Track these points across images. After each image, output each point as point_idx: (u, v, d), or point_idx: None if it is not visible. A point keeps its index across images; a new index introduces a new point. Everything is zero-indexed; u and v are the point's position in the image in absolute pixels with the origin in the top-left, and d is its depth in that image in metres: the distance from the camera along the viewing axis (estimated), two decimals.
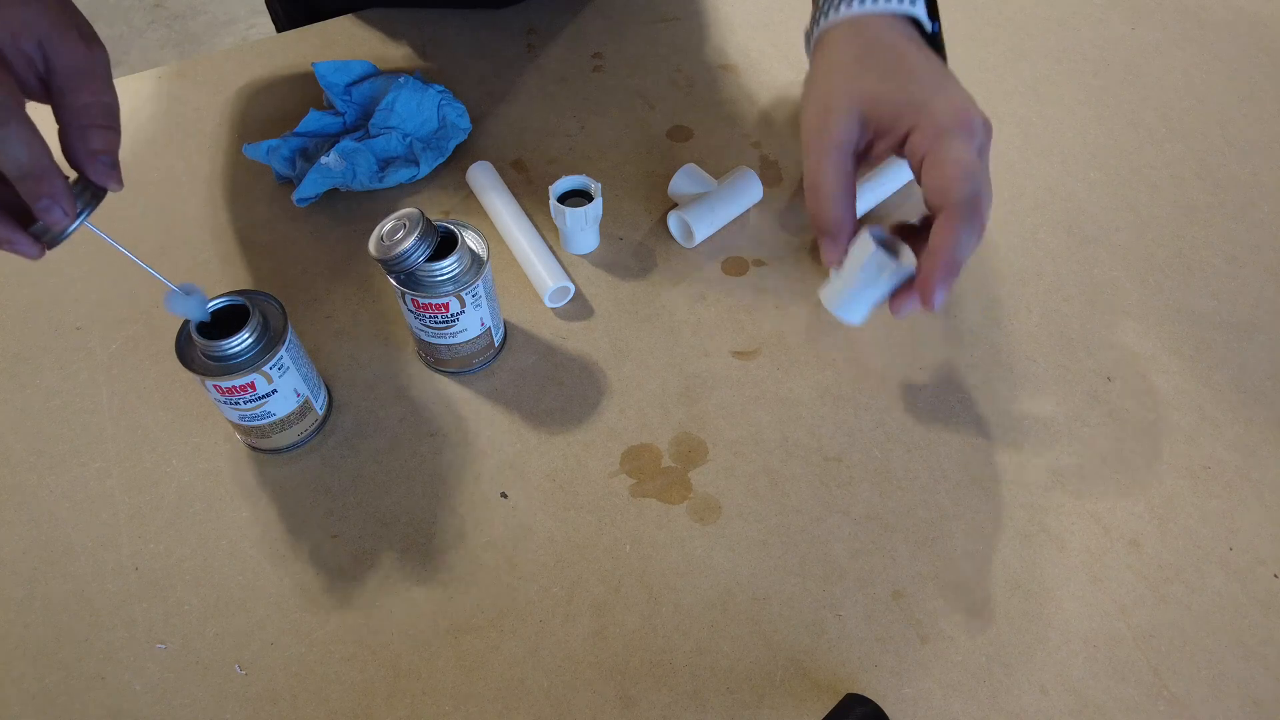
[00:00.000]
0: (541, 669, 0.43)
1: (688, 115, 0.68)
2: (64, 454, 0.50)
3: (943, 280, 0.43)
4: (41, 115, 0.38)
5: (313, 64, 0.64)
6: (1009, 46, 0.74)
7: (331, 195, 0.62)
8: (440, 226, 0.48)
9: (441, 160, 0.63)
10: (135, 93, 0.69)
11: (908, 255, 0.46)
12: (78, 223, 0.39)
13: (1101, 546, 0.47)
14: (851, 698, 0.41)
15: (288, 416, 0.48)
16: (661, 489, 0.49)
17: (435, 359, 0.53)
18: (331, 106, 0.65)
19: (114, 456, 0.50)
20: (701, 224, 0.58)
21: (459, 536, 0.47)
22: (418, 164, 0.62)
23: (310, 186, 0.59)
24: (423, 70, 0.70)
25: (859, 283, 0.47)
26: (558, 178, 0.57)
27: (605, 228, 0.61)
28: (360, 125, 0.64)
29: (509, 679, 0.43)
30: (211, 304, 0.45)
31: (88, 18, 0.41)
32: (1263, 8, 0.77)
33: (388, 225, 0.46)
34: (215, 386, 0.45)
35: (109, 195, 0.41)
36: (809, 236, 0.60)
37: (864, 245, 0.46)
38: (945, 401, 0.52)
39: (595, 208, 0.56)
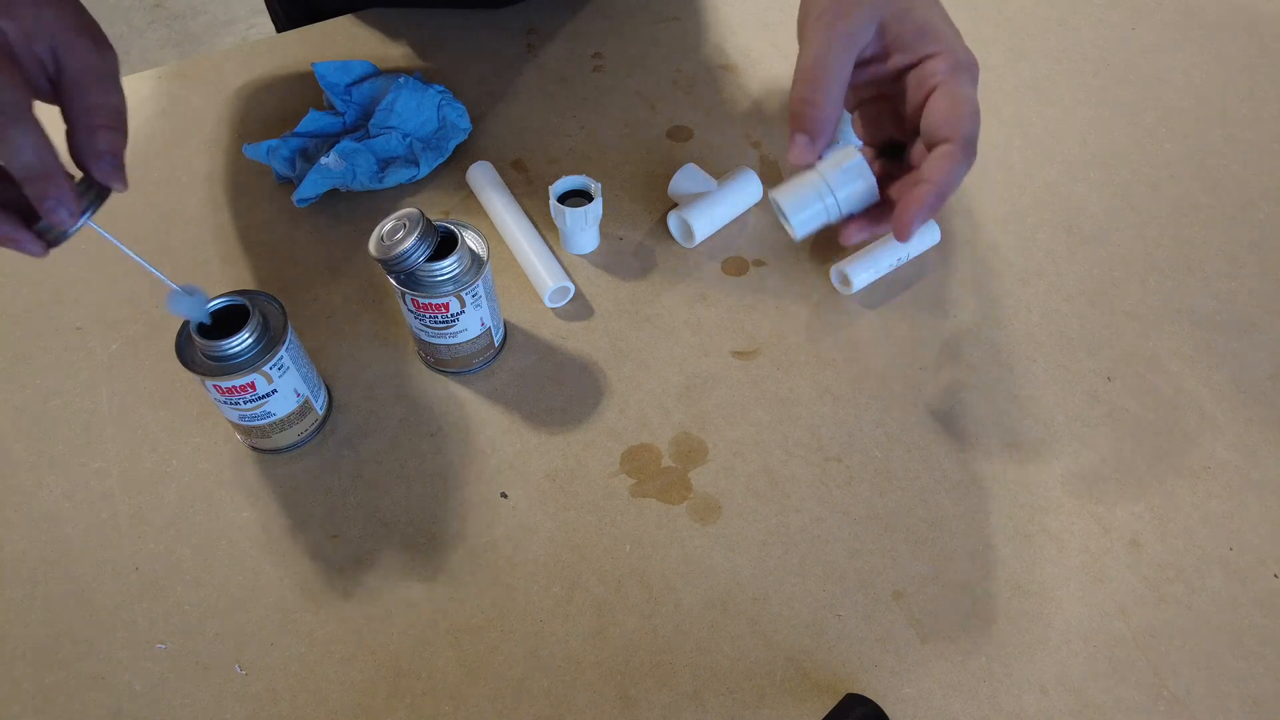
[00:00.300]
0: (541, 669, 0.43)
1: (688, 115, 0.68)
2: (64, 454, 0.50)
3: (928, 208, 0.43)
4: (49, 115, 0.38)
5: (313, 64, 0.64)
6: (1009, 46, 0.74)
7: (331, 195, 0.62)
8: (440, 226, 0.48)
9: (441, 160, 0.63)
10: (135, 93, 0.69)
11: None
12: (81, 222, 0.39)
13: (1101, 546, 0.47)
14: (851, 698, 0.41)
15: (288, 416, 0.48)
16: (661, 489, 0.49)
17: (435, 359, 0.53)
18: (331, 106, 0.65)
19: (114, 456, 0.50)
20: (701, 224, 0.58)
21: (459, 536, 0.47)
22: (418, 164, 0.62)
23: (310, 187, 0.59)
24: (423, 70, 0.70)
25: (824, 191, 0.46)
26: (558, 178, 0.57)
27: (605, 228, 0.61)
28: (360, 125, 0.64)
29: (509, 679, 0.43)
30: (211, 304, 0.45)
31: None
32: (1263, 8, 0.77)
33: (388, 225, 0.46)
34: (215, 386, 0.45)
35: (114, 195, 0.41)
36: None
37: (845, 152, 0.45)
38: (945, 401, 0.52)
39: (595, 208, 0.56)
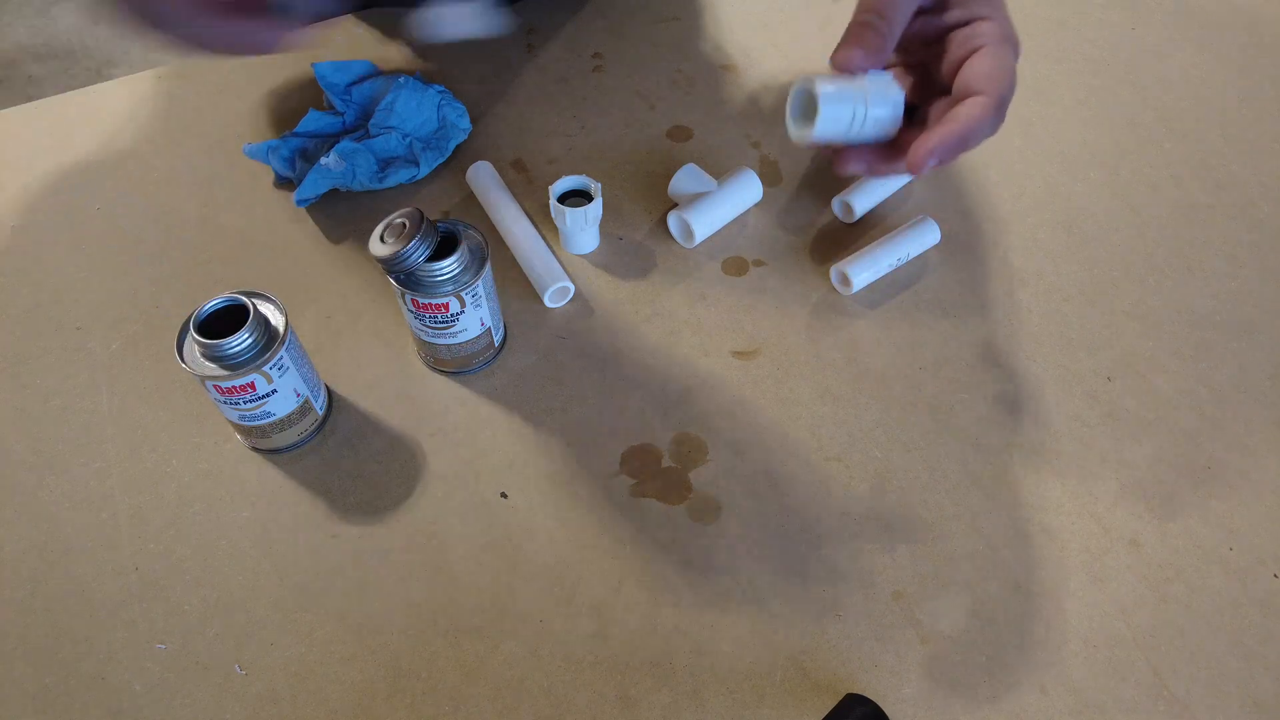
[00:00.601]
0: (541, 669, 0.43)
1: (688, 115, 0.68)
2: (64, 454, 0.50)
3: (947, 147, 0.43)
4: None
5: (312, 64, 0.64)
6: None
7: (331, 195, 0.62)
8: (440, 226, 0.48)
9: (441, 160, 0.63)
10: (135, 93, 0.69)
11: None
12: None
13: (1101, 546, 0.47)
14: (851, 698, 0.41)
15: (288, 416, 0.48)
16: (661, 489, 0.49)
17: (435, 359, 0.53)
18: (331, 106, 0.65)
19: (114, 456, 0.50)
20: (701, 224, 0.58)
21: (459, 536, 0.47)
22: (418, 164, 0.62)
23: (310, 187, 0.59)
24: (423, 70, 0.70)
25: (860, 99, 0.45)
26: (558, 178, 0.57)
27: (605, 228, 0.61)
28: (360, 125, 0.64)
29: (509, 679, 0.43)
30: (211, 304, 0.45)
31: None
32: (1263, 8, 0.77)
33: (387, 225, 0.46)
34: (215, 386, 0.45)
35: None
36: (809, 236, 0.60)
37: (884, 78, 0.46)
38: (945, 401, 0.52)
39: (595, 208, 0.56)
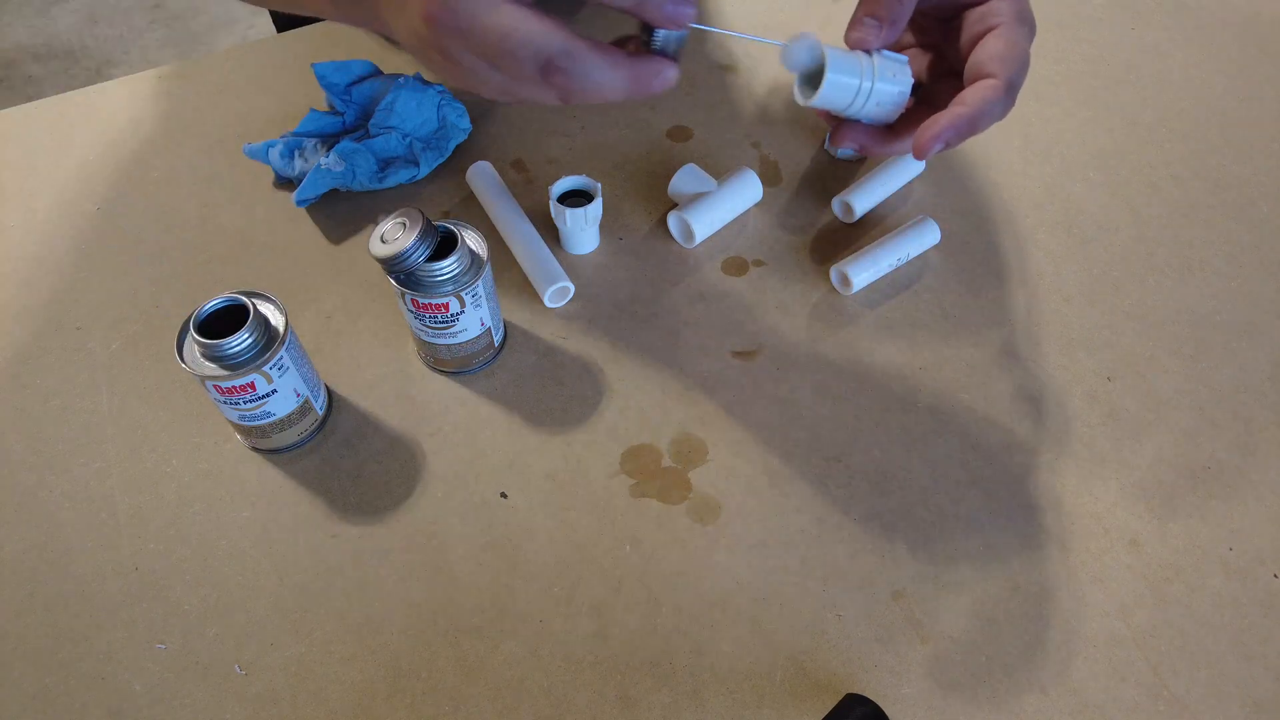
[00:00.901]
0: (541, 669, 0.43)
1: (688, 115, 0.68)
2: (64, 454, 0.50)
3: (954, 131, 0.43)
4: None
5: (312, 64, 0.64)
6: None
7: (331, 195, 0.62)
8: (440, 226, 0.48)
9: (441, 160, 0.63)
10: (135, 93, 0.69)
11: None
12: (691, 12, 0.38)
13: (1101, 546, 0.47)
14: (851, 698, 0.41)
15: (288, 416, 0.48)
16: (661, 489, 0.49)
17: (435, 359, 0.53)
18: (331, 107, 0.65)
19: (114, 456, 0.50)
20: (701, 224, 0.58)
21: (459, 536, 0.47)
22: (418, 164, 0.62)
23: (310, 187, 0.59)
24: (423, 70, 0.70)
25: (869, 72, 0.45)
26: (558, 178, 0.57)
27: (605, 228, 0.61)
28: (360, 125, 0.63)
29: (509, 679, 0.43)
30: (211, 304, 0.45)
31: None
32: (1263, 8, 0.77)
33: (388, 225, 0.46)
34: (215, 386, 0.45)
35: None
36: (809, 236, 0.60)
37: (895, 56, 0.46)
38: (945, 401, 0.52)
39: (595, 208, 0.56)
